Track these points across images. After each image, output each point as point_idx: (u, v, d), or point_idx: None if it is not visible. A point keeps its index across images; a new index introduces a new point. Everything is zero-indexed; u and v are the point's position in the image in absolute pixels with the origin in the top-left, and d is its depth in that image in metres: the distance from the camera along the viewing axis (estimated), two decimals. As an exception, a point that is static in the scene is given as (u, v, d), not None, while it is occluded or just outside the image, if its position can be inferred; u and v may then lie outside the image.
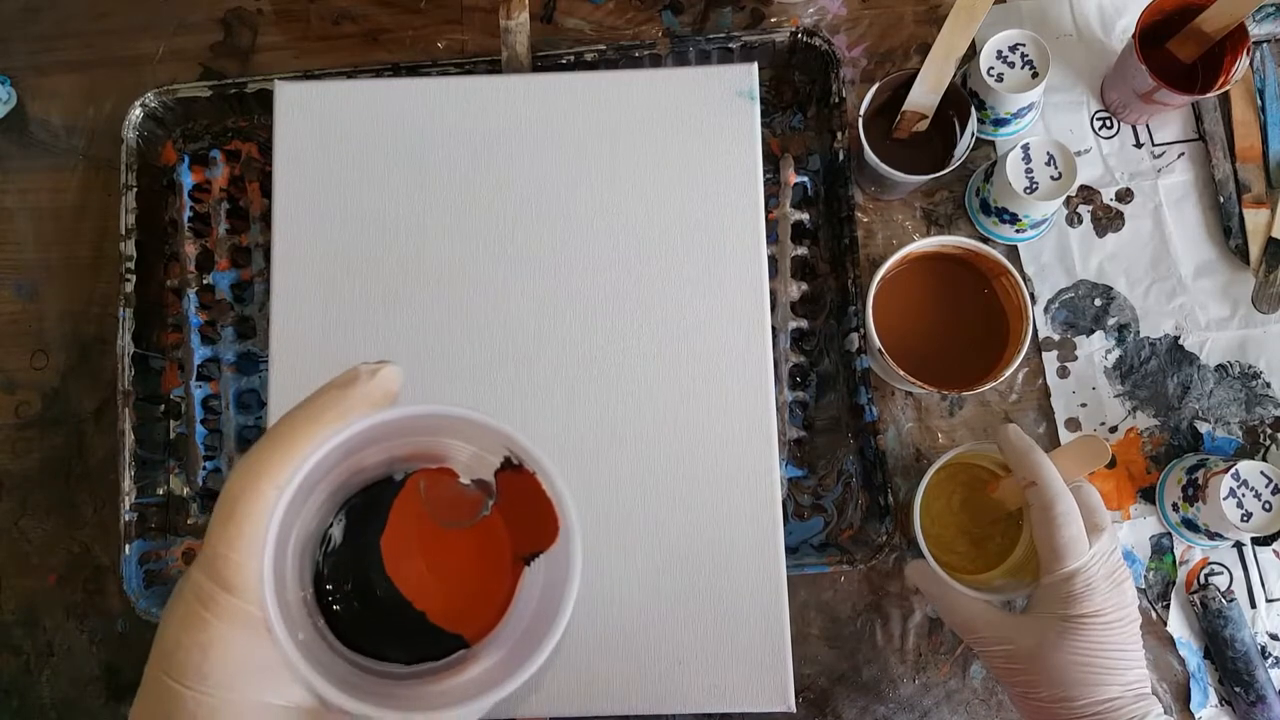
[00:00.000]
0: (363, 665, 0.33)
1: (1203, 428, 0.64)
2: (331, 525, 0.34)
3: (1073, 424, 0.65)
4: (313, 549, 0.33)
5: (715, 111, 0.58)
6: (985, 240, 0.65)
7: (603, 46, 0.65)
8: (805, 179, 0.66)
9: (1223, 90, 0.62)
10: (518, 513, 0.34)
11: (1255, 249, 0.66)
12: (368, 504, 0.34)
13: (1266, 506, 0.58)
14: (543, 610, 0.32)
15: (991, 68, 0.64)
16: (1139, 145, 0.68)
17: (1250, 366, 0.65)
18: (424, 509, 0.34)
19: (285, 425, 0.29)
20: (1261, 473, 0.58)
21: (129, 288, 0.64)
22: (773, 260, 0.64)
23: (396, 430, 0.31)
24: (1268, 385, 0.65)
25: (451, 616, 0.34)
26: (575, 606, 0.53)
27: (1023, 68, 0.64)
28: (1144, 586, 0.63)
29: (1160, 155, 0.68)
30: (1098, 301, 0.66)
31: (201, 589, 0.28)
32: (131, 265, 0.64)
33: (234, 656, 0.28)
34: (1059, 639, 0.49)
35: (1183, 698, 0.62)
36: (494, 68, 0.64)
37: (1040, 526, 0.50)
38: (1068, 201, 0.67)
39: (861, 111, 0.62)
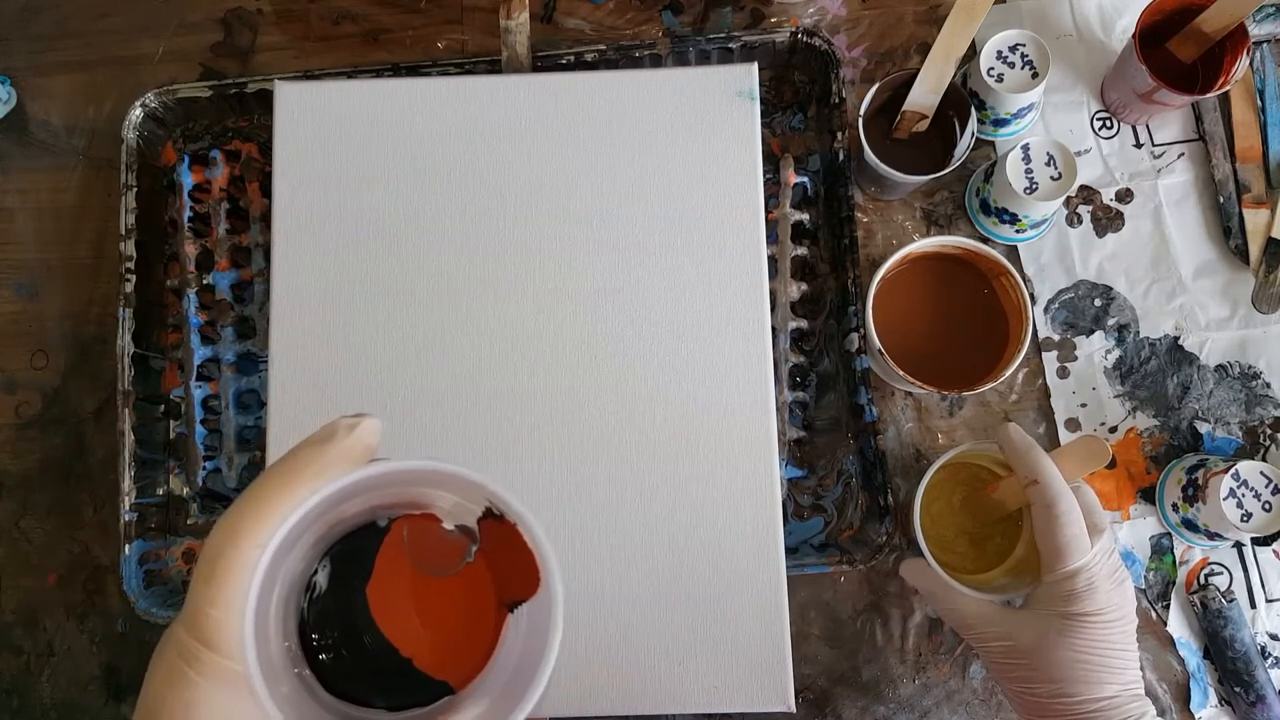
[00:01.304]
0: (349, 714, 0.33)
1: (1203, 428, 0.64)
2: (316, 572, 0.34)
3: (1073, 424, 0.65)
4: (297, 596, 0.33)
5: (715, 111, 0.58)
6: (985, 240, 0.65)
7: (603, 46, 0.65)
8: (805, 179, 0.66)
9: (1223, 90, 0.62)
10: (501, 559, 0.34)
11: (1255, 249, 0.66)
12: (352, 551, 0.34)
13: (1266, 507, 0.58)
14: (526, 658, 0.32)
15: (991, 68, 0.64)
16: (1139, 145, 0.68)
17: (1250, 367, 0.65)
18: (408, 555, 0.34)
19: (265, 483, 0.29)
20: (1261, 473, 0.58)
21: (129, 288, 0.64)
22: (773, 260, 0.64)
23: (377, 484, 0.31)
24: (1267, 385, 0.65)
25: (438, 663, 0.34)
26: (572, 617, 0.53)
27: (1023, 68, 0.64)
28: (1144, 586, 0.63)
29: (1160, 155, 0.68)
30: (1098, 301, 0.66)
31: (185, 646, 0.28)
32: (131, 265, 0.64)
33: (217, 714, 0.28)
34: (1059, 636, 0.49)
35: (1183, 698, 0.62)
36: (494, 68, 0.64)
37: (1042, 525, 0.50)
38: (1067, 202, 0.67)
39: (861, 111, 0.62)
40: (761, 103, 0.58)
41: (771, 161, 0.66)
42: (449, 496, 0.34)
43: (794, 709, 0.52)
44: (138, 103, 0.66)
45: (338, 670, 0.33)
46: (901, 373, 0.59)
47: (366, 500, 0.33)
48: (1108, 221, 0.67)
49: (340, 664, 0.33)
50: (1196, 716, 0.62)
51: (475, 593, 0.35)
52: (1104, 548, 0.50)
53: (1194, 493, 0.60)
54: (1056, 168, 0.62)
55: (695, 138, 0.57)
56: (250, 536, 0.28)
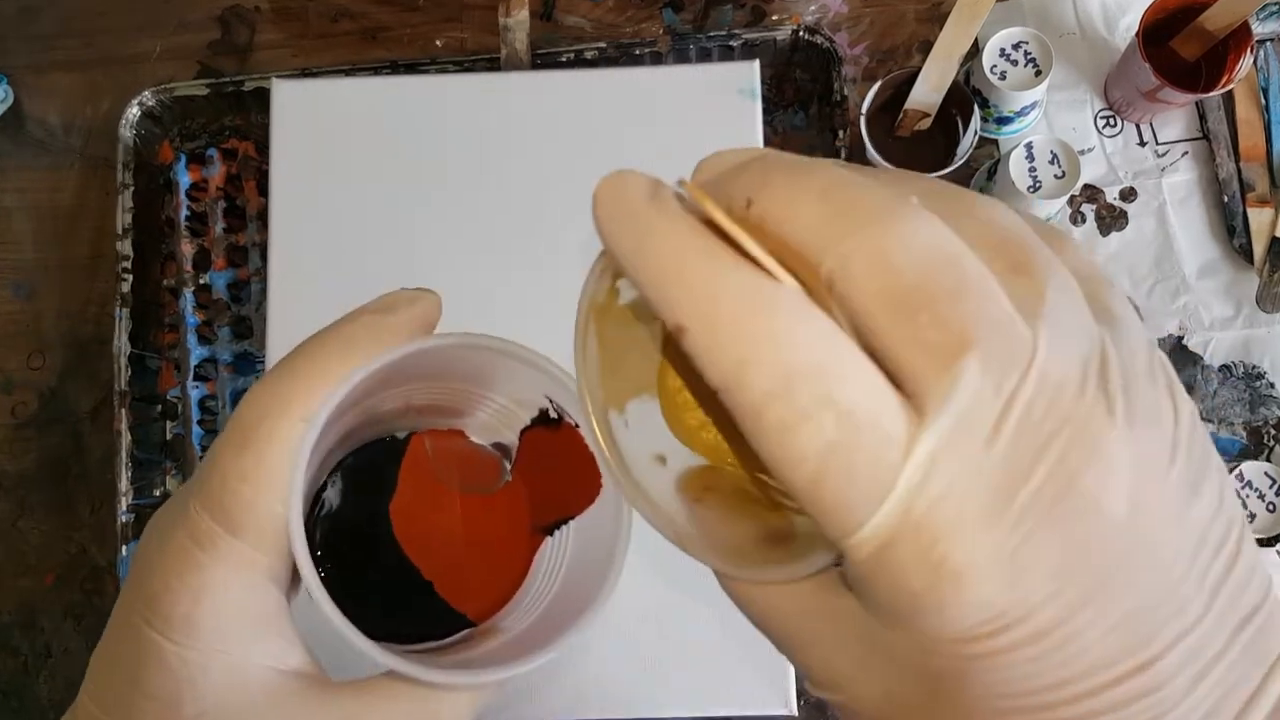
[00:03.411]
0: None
1: (1206, 428, 0.64)
2: (325, 487, 0.30)
3: (1075, 424, 0.64)
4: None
5: (716, 110, 0.57)
6: (987, 239, 0.65)
7: (603, 44, 0.65)
8: (806, 178, 0.66)
9: (1226, 89, 0.62)
10: (542, 478, 0.31)
11: (1259, 248, 0.65)
12: (366, 465, 0.31)
13: (1270, 507, 0.58)
14: (576, 577, 0.28)
15: (994, 66, 0.63)
16: (1142, 144, 0.68)
17: (1254, 367, 0.65)
18: (436, 472, 0.31)
19: (311, 350, 0.25)
20: (1265, 473, 0.58)
21: (126, 287, 0.64)
22: (774, 260, 0.64)
23: (432, 367, 0.28)
24: (1272, 386, 0.64)
25: (460, 591, 0.30)
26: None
27: (1026, 66, 0.63)
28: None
29: (1164, 154, 0.67)
30: (1101, 301, 0.66)
31: (198, 526, 0.23)
32: (128, 265, 0.64)
33: (230, 608, 0.24)
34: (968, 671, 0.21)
35: (1186, 700, 0.61)
36: (493, 66, 0.64)
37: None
38: (1071, 200, 0.67)
39: (863, 110, 0.61)
40: (763, 101, 0.58)
41: (772, 160, 0.65)
42: (495, 402, 0.30)
43: (795, 712, 0.52)
44: (135, 101, 0.65)
45: (346, 592, 0.29)
46: (903, 373, 0.59)
47: (404, 395, 0.30)
48: (1111, 220, 0.67)
49: (350, 588, 0.29)
50: (1200, 719, 0.61)
51: (507, 517, 0.31)
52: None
53: (1198, 494, 0.60)
54: (1060, 166, 0.61)
55: (696, 136, 0.57)
56: (297, 407, 0.24)
